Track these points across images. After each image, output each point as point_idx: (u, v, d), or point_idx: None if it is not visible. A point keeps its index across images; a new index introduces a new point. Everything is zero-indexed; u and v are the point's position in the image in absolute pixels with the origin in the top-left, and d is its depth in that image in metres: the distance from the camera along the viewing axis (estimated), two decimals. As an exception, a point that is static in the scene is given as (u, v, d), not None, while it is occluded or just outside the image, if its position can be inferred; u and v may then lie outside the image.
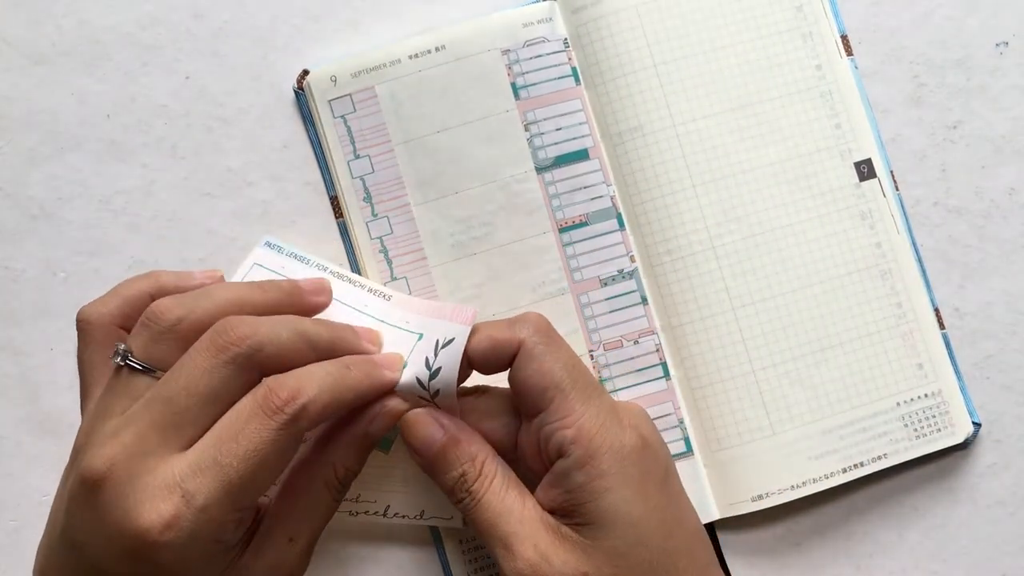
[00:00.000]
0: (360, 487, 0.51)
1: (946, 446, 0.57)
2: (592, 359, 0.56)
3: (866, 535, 0.58)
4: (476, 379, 0.50)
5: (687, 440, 0.56)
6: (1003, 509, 0.58)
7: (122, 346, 0.45)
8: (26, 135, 0.58)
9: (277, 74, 0.58)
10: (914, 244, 0.58)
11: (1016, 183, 0.59)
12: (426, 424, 0.48)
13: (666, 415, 0.56)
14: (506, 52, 0.57)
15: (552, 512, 0.47)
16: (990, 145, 0.59)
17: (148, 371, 0.45)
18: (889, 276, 0.57)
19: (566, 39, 0.57)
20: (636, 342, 0.57)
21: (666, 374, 0.57)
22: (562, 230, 0.57)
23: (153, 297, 0.49)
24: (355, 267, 0.57)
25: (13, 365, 0.57)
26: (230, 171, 0.58)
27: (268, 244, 0.53)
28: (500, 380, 0.49)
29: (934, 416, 0.57)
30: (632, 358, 0.57)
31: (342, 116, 0.57)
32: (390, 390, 0.48)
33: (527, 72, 0.57)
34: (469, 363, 0.48)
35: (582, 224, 0.57)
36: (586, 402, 0.47)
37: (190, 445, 0.43)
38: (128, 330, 0.48)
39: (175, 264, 0.58)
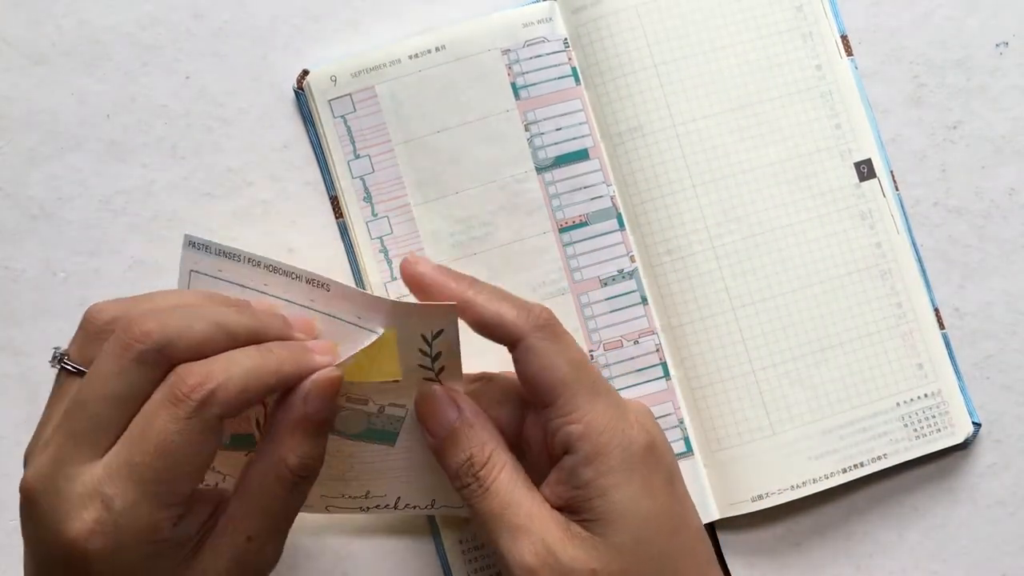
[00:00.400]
0: (368, 483, 0.51)
1: (946, 446, 0.57)
2: (592, 359, 0.56)
3: (866, 535, 0.58)
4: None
5: (687, 440, 0.56)
6: (1003, 509, 0.58)
7: (60, 349, 0.44)
8: (26, 135, 0.58)
9: (277, 74, 0.58)
10: (914, 244, 0.58)
11: (1016, 183, 0.59)
12: (442, 402, 0.48)
13: (666, 415, 0.56)
14: (506, 52, 0.57)
15: (559, 509, 0.46)
16: (990, 145, 0.59)
17: (73, 369, 0.44)
18: (889, 276, 0.57)
19: (566, 39, 0.57)
20: (636, 342, 0.57)
21: (666, 374, 0.57)
22: (562, 230, 0.57)
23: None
24: (355, 267, 0.58)
25: (13, 365, 0.57)
26: (230, 171, 0.58)
27: (193, 244, 0.47)
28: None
29: (934, 416, 0.57)
30: (632, 358, 0.57)
31: (342, 116, 0.57)
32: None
33: (527, 72, 0.57)
34: (470, 325, 0.48)
35: (582, 224, 0.57)
36: (593, 399, 0.46)
37: (107, 450, 0.42)
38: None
39: (176, 264, 0.57)
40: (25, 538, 0.43)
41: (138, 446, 0.41)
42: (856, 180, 0.58)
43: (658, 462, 0.47)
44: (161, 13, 0.58)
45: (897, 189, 0.58)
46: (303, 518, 0.55)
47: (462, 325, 0.46)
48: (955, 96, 0.59)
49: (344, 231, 0.58)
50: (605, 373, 0.56)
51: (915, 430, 0.57)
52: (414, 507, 0.52)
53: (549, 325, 0.47)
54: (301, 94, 0.57)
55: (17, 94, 0.58)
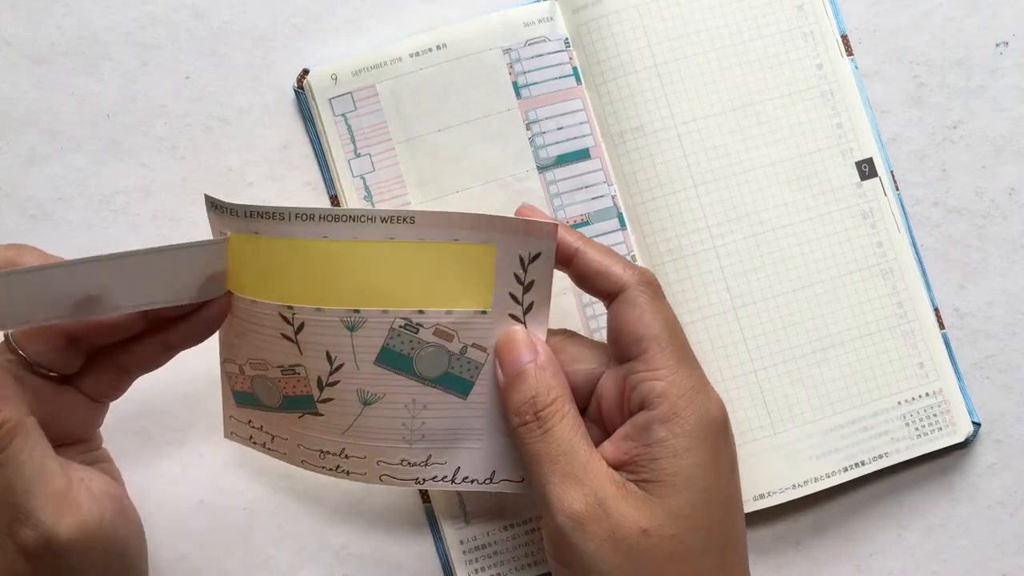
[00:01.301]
0: (431, 445, 0.50)
1: (947, 445, 0.57)
2: None
3: (866, 535, 0.58)
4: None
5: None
6: (1003, 509, 0.58)
7: None
8: (26, 135, 0.58)
9: (277, 74, 0.58)
10: (914, 244, 0.58)
11: (1016, 183, 0.59)
12: (522, 342, 0.48)
13: None
14: (507, 51, 0.57)
15: (618, 467, 0.46)
16: (990, 145, 0.59)
17: None
18: (890, 275, 0.57)
19: (567, 39, 0.57)
20: None
21: None
22: (563, 230, 0.57)
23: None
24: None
25: (13, 365, 0.57)
26: (230, 171, 0.58)
27: (216, 207, 0.47)
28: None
29: (935, 415, 0.57)
30: None
31: (343, 114, 0.57)
32: None
33: (528, 71, 0.57)
34: (572, 274, 0.49)
35: (583, 224, 0.57)
36: (680, 363, 0.47)
37: None
38: None
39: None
40: None
41: None
42: (857, 179, 0.58)
43: (729, 442, 0.48)
44: (161, 13, 0.58)
45: (897, 189, 0.58)
46: (307, 512, 0.56)
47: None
48: (955, 96, 0.59)
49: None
50: None
51: (916, 429, 0.57)
52: (472, 480, 0.51)
53: (653, 282, 0.49)
54: (301, 93, 0.57)
55: (17, 94, 0.58)
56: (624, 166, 0.57)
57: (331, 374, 0.49)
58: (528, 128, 0.57)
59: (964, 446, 0.58)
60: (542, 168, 0.57)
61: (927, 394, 0.57)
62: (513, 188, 0.57)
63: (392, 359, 0.49)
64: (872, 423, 0.56)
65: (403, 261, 0.47)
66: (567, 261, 0.49)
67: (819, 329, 0.57)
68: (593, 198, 0.57)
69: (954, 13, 0.59)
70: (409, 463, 0.51)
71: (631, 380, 0.47)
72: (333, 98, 0.57)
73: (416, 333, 0.48)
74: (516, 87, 0.57)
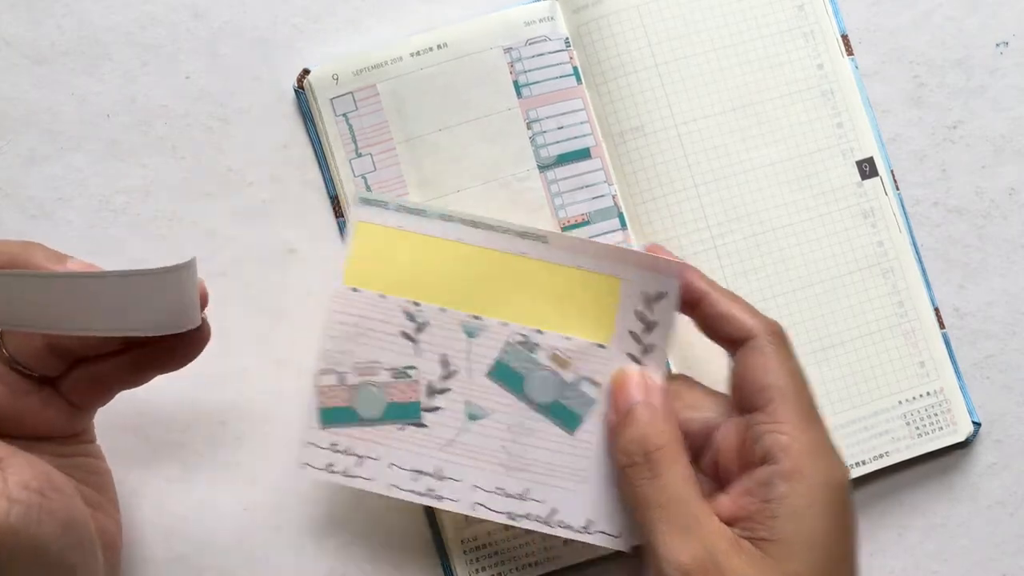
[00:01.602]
0: (530, 479, 0.49)
1: (948, 444, 0.57)
2: None
3: (866, 534, 0.58)
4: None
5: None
6: (1003, 509, 0.58)
7: None
8: (26, 135, 0.58)
9: (277, 74, 0.58)
10: (914, 244, 0.58)
11: (1016, 183, 0.59)
12: (635, 381, 0.47)
13: None
14: (508, 50, 0.57)
15: (733, 522, 0.45)
16: (990, 145, 0.59)
17: None
18: (891, 275, 0.57)
19: (567, 38, 0.57)
20: None
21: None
22: (564, 229, 0.57)
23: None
24: (356, 267, 0.57)
25: (13, 365, 0.57)
26: (230, 171, 0.58)
27: (367, 201, 0.50)
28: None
29: (936, 414, 0.57)
30: None
31: (344, 114, 0.57)
32: None
33: (529, 71, 0.57)
34: (697, 319, 0.48)
35: (584, 223, 0.57)
36: (806, 419, 0.45)
37: None
38: None
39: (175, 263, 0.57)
40: None
41: None
42: (858, 179, 0.58)
43: (851, 507, 0.45)
44: (161, 13, 0.58)
45: (898, 188, 0.58)
46: (307, 513, 0.56)
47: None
48: (955, 96, 0.59)
49: (344, 230, 0.58)
50: None
51: (917, 428, 0.57)
52: (567, 527, 0.50)
53: (781, 333, 0.47)
54: (301, 93, 0.57)
55: (17, 94, 0.58)
56: (624, 166, 0.57)
57: (443, 379, 0.50)
58: (529, 127, 0.57)
59: (964, 446, 0.58)
60: (543, 167, 0.57)
61: (928, 393, 0.57)
62: (514, 187, 0.57)
63: (505, 374, 0.49)
64: (873, 423, 0.56)
65: (530, 278, 0.48)
66: (694, 304, 0.48)
67: (819, 329, 0.57)
68: (594, 197, 0.57)
69: (954, 13, 0.59)
70: (505, 493, 0.50)
71: (753, 432, 0.45)
72: (334, 98, 0.57)
73: (532, 352, 0.49)
74: (517, 86, 0.57)
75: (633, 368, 0.48)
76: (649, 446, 0.46)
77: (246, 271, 0.57)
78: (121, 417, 0.57)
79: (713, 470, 0.48)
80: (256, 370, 0.56)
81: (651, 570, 0.44)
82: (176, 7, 0.58)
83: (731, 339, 0.47)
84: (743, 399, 0.47)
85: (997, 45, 0.59)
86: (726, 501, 0.45)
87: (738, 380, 0.47)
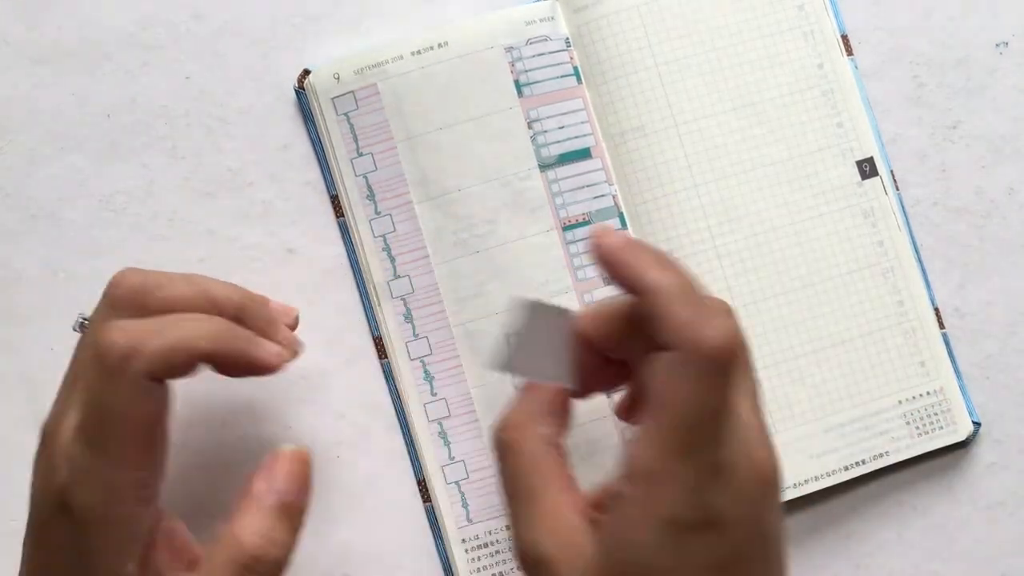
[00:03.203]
0: None
1: (948, 443, 0.57)
2: None
3: (866, 534, 0.58)
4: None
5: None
6: (1003, 509, 0.58)
7: (80, 314, 0.48)
8: (26, 135, 0.58)
9: (277, 74, 0.58)
10: (914, 244, 0.58)
11: (1016, 183, 0.59)
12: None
13: None
14: (509, 49, 0.57)
15: (594, 507, 0.43)
16: (990, 145, 0.59)
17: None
18: (891, 274, 0.57)
19: (568, 38, 0.57)
20: None
21: None
22: (565, 228, 0.57)
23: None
24: (356, 266, 0.57)
25: (13, 365, 0.57)
26: (230, 171, 0.58)
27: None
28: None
29: (936, 414, 0.57)
30: None
31: (345, 114, 0.57)
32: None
33: (530, 70, 0.57)
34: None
35: (585, 223, 0.57)
36: (675, 455, 0.39)
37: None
38: None
39: (175, 264, 0.57)
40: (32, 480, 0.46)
41: (86, 407, 0.43)
42: (858, 178, 0.58)
43: (710, 547, 0.40)
44: (161, 13, 0.58)
45: (898, 189, 0.58)
46: (308, 511, 0.55)
47: None
48: (955, 96, 0.59)
49: (345, 230, 0.58)
50: None
51: (917, 428, 0.57)
52: None
53: (718, 360, 0.39)
54: (302, 93, 0.57)
55: (17, 94, 0.58)
56: (625, 166, 0.57)
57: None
58: (530, 127, 0.57)
59: (964, 446, 0.58)
60: (544, 167, 0.57)
61: (928, 393, 0.57)
62: (515, 187, 0.57)
63: None
64: (872, 422, 0.56)
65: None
66: (636, 292, 0.43)
67: (819, 328, 0.57)
68: (594, 197, 0.57)
69: (954, 13, 0.59)
70: None
71: (632, 432, 0.45)
72: (336, 97, 0.57)
73: None
74: (518, 85, 0.57)
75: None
76: (498, 427, 0.45)
77: (246, 271, 0.58)
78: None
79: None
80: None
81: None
82: (176, 7, 0.58)
83: (658, 342, 0.40)
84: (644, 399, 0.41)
85: (997, 45, 0.59)
86: (599, 488, 0.44)
87: (645, 378, 0.41)
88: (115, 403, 0.43)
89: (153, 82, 0.58)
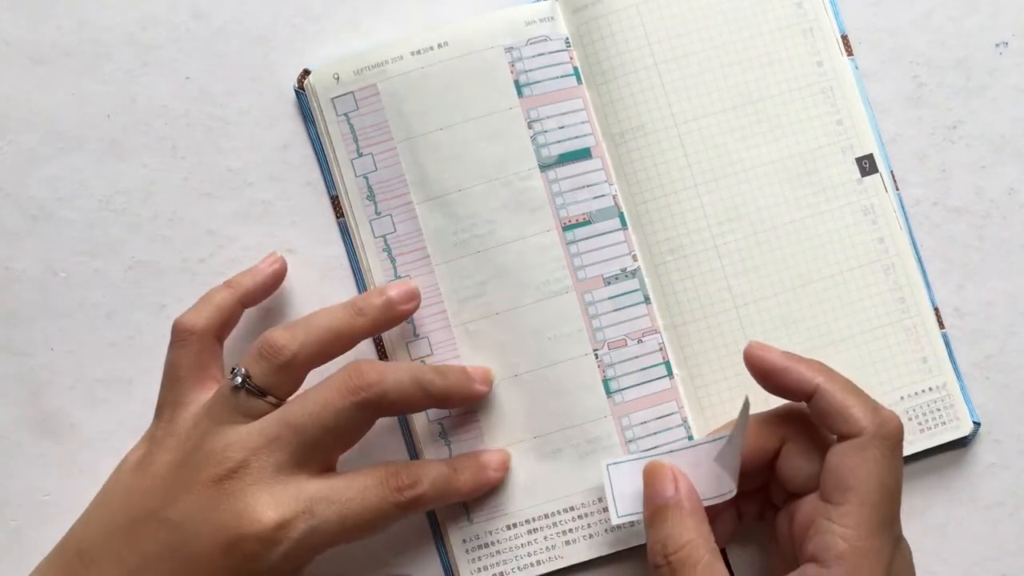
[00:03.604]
0: None
1: (952, 439, 0.57)
2: (597, 358, 0.56)
3: (867, 535, 0.58)
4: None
5: (691, 439, 0.56)
6: (1003, 509, 0.58)
7: (243, 370, 0.51)
8: (26, 135, 0.58)
9: (277, 74, 0.58)
10: (914, 243, 0.58)
11: (1016, 183, 0.59)
12: (662, 476, 0.50)
13: (670, 414, 0.56)
14: (509, 49, 0.57)
15: None
16: (990, 145, 0.59)
17: (262, 394, 0.51)
18: (892, 271, 0.57)
19: (567, 38, 0.57)
20: (640, 341, 0.57)
21: (669, 373, 0.57)
22: (565, 228, 0.57)
23: (242, 304, 0.55)
24: (356, 267, 0.58)
25: (13, 365, 0.57)
26: (230, 171, 0.58)
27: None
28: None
29: (939, 409, 0.57)
30: (636, 357, 0.57)
31: (345, 114, 0.57)
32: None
33: (530, 70, 0.57)
34: (811, 411, 0.50)
35: (585, 223, 0.57)
36: (877, 530, 0.46)
37: (313, 469, 0.50)
38: (219, 338, 0.54)
39: (175, 264, 0.57)
40: (174, 505, 0.49)
41: (353, 505, 0.50)
42: (858, 175, 0.58)
43: None
44: (161, 13, 0.58)
45: (897, 188, 0.58)
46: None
47: None
48: (955, 96, 0.59)
49: (345, 231, 0.58)
50: (610, 372, 0.56)
51: (920, 424, 0.57)
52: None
53: (893, 437, 0.47)
54: (302, 94, 0.57)
55: (17, 94, 0.58)
56: (625, 165, 0.57)
57: None
58: (530, 127, 0.57)
59: (964, 444, 0.58)
60: (544, 167, 0.57)
61: (930, 389, 0.57)
62: (515, 187, 0.57)
63: None
64: None
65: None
66: (807, 398, 0.49)
67: (820, 327, 0.57)
68: (594, 197, 0.57)
69: (954, 13, 0.59)
70: None
71: (818, 524, 0.47)
72: (335, 98, 0.57)
73: None
74: (518, 86, 0.57)
75: (661, 460, 0.51)
76: (670, 548, 0.48)
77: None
78: (121, 417, 0.57)
79: (788, 533, 0.50)
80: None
81: None
82: (176, 7, 0.58)
83: (841, 434, 0.48)
84: (827, 488, 0.47)
85: (997, 45, 0.59)
86: None
87: (829, 468, 0.48)
88: (381, 518, 0.51)
89: (153, 82, 0.58)
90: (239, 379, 0.50)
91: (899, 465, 0.48)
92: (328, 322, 0.52)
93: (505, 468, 0.55)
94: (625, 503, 0.53)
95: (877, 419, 0.47)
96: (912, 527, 0.58)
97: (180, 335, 0.53)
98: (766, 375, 0.50)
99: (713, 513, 0.50)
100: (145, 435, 0.53)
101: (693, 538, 0.48)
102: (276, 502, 0.48)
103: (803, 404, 0.50)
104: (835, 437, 0.48)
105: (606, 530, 0.56)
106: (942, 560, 0.58)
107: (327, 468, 0.51)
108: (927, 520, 0.58)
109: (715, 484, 0.51)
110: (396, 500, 0.50)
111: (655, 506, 0.49)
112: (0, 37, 0.58)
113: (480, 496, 0.56)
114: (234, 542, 0.48)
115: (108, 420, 0.57)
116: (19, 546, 0.57)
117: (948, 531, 0.58)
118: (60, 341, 0.57)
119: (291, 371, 0.51)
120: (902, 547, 0.48)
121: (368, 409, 0.50)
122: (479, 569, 0.56)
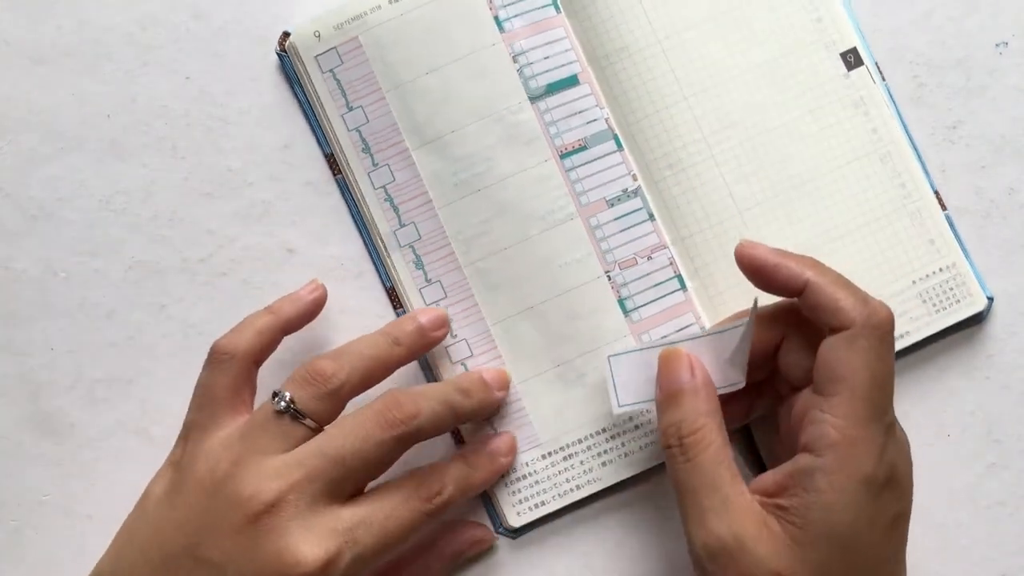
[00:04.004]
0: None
1: (968, 315, 0.57)
2: (610, 280, 0.56)
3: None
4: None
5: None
6: (1003, 509, 0.58)
7: (287, 395, 0.50)
8: (26, 135, 0.58)
9: (277, 74, 0.58)
10: (906, 130, 0.58)
11: (1016, 183, 0.59)
12: (680, 362, 0.50)
13: (688, 325, 0.57)
14: (486, -14, 0.57)
15: (772, 495, 0.47)
16: (990, 145, 0.59)
17: (304, 419, 0.50)
18: (889, 159, 0.57)
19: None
20: (649, 258, 0.57)
21: (683, 286, 0.57)
22: (563, 156, 0.57)
23: (283, 331, 0.54)
24: (360, 222, 0.58)
25: (13, 365, 0.57)
26: (230, 171, 0.58)
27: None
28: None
29: (951, 288, 0.57)
30: (648, 274, 0.57)
31: (330, 70, 0.57)
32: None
33: (508, 4, 0.57)
34: (801, 306, 0.50)
35: (581, 149, 0.57)
36: (868, 420, 0.46)
37: (345, 497, 0.50)
38: (257, 363, 0.53)
39: (176, 264, 0.57)
40: (214, 543, 0.47)
41: (391, 522, 0.50)
42: (844, 70, 0.58)
43: (890, 504, 0.47)
44: (161, 13, 0.59)
45: (884, 79, 0.58)
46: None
47: None
48: (955, 96, 0.59)
49: (344, 187, 0.58)
50: (624, 292, 0.56)
51: (934, 304, 0.56)
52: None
53: (882, 328, 0.48)
54: (285, 57, 0.58)
55: (17, 94, 0.58)
56: (613, 87, 0.57)
57: None
58: (515, 60, 0.57)
59: (979, 321, 0.58)
60: (534, 98, 0.57)
61: (941, 269, 0.57)
62: (508, 121, 0.57)
63: None
64: (890, 305, 0.53)
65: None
66: (798, 293, 0.49)
67: (826, 221, 0.57)
68: (587, 122, 0.57)
69: (954, 13, 0.60)
70: None
71: (811, 415, 0.47)
72: (319, 55, 0.57)
73: None
74: (498, 21, 0.57)
75: (679, 348, 0.51)
76: (684, 431, 0.48)
77: (246, 271, 0.58)
78: (122, 417, 0.57)
79: (787, 425, 0.51)
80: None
81: (688, 548, 0.48)
82: (176, 7, 0.59)
83: (830, 327, 0.48)
84: (819, 380, 0.48)
85: (997, 45, 0.60)
86: (769, 477, 0.48)
87: (820, 362, 0.48)
88: (412, 528, 0.51)
89: (153, 82, 0.58)
90: (283, 403, 0.50)
91: (889, 355, 0.48)
92: (371, 351, 0.52)
93: (513, 451, 0.55)
94: (627, 392, 0.53)
95: (866, 310, 0.47)
96: (913, 527, 0.56)
97: (219, 357, 0.52)
98: (756, 272, 0.50)
99: (722, 403, 0.50)
100: (169, 460, 0.52)
101: (707, 422, 0.48)
102: (317, 538, 0.47)
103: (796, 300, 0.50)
104: (828, 330, 0.48)
105: (641, 447, 0.56)
106: (942, 560, 0.57)
107: (357, 494, 0.51)
108: (928, 519, 0.57)
109: (723, 375, 0.51)
110: (426, 509, 0.50)
111: (671, 390, 0.50)
112: (0, 37, 0.58)
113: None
114: None
115: (108, 420, 0.57)
116: (19, 546, 0.57)
117: (948, 531, 0.58)
118: (60, 341, 0.57)
119: (338, 399, 0.51)
120: (897, 435, 0.48)
121: (407, 442, 0.50)
122: (520, 500, 0.56)
